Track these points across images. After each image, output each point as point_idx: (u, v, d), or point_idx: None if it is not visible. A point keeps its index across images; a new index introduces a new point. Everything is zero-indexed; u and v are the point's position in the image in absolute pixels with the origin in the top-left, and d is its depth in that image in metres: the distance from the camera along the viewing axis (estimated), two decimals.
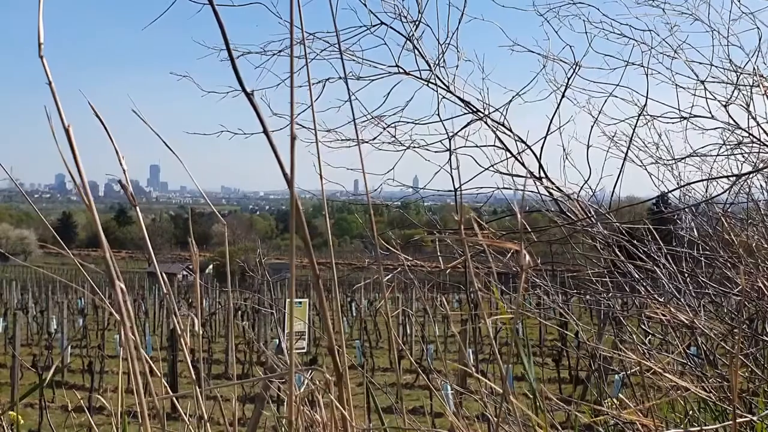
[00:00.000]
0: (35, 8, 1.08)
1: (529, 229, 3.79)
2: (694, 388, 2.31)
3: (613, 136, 4.21)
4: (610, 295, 4.01)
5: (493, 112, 4.07)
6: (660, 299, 3.65)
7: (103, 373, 16.35)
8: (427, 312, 22.58)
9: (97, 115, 1.24)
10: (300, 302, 7.52)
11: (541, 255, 4.14)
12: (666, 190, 4.21)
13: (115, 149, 1.27)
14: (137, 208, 1.33)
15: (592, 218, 3.84)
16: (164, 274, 1.43)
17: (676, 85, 4.09)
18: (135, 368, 1.25)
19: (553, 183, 4.02)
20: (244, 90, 1.17)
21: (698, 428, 1.99)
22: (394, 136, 4.15)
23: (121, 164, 1.28)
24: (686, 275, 3.78)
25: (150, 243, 1.37)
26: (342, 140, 4.08)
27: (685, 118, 4.09)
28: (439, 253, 3.80)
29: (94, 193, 1.44)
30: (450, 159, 3.88)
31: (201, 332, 1.43)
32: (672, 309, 3.28)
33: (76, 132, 1.21)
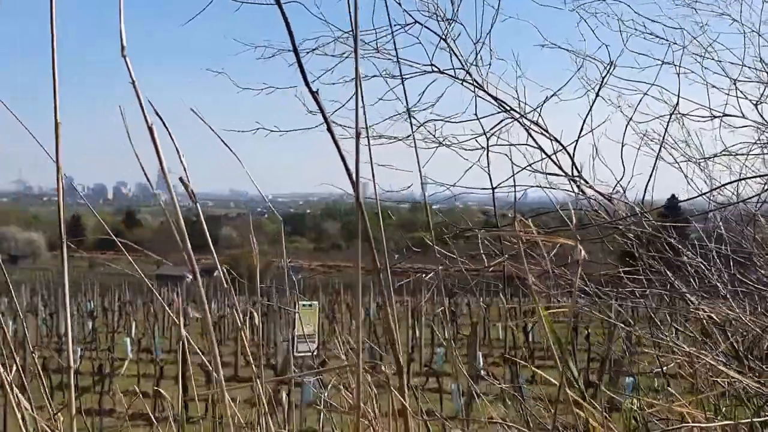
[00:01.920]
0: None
1: (571, 227, 3.77)
2: (745, 380, 2.30)
3: (645, 135, 4.20)
4: (647, 293, 3.99)
5: (530, 112, 4.09)
6: (704, 296, 3.65)
7: (113, 376, 16.38)
8: (437, 315, 22.58)
9: (160, 117, 1.22)
10: (310, 304, 7.48)
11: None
12: (700, 192, 4.17)
13: (176, 148, 1.24)
14: (198, 204, 1.31)
15: (633, 216, 3.83)
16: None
17: (707, 83, 4.09)
18: (219, 372, 1.24)
19: (587, 182, 4.01)
20: (309, 88, 1.17)
21: (748, 420, 1.98)
22: (433, 134, 4.15)
23: (181, 161, 1.26)
24: (725, 274, 3.77)
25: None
26: (376, 137, 4.09)
27: (716, 117, 4.08)
28: (469, 253, 3.80)
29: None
30: (488, 157, 3.89)
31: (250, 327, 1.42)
32: (715, 307, 3.28)
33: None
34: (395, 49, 4.05)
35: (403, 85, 3.58)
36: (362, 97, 1.20)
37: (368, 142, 1.19)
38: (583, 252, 1.24)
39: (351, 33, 4.06)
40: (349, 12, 1.27)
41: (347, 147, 1.27)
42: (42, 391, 1.62)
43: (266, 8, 4.11)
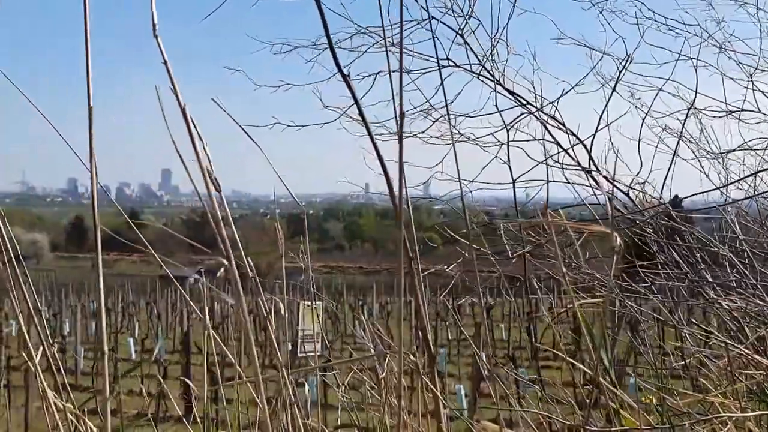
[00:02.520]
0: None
1: (598, 218, 3.77)
2: None
3: (664, 129, 4.20)
4: (668, 286, 4.00)
5: (546, 105, 4.11)
6: (730, 287, 3.67)
7: (116, 377, 16.38)
8: (439, 315, 22.59)
9: (181, 106, 1.22)
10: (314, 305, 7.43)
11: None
12: (714, 186, 4.16)
13: (199, 136, 1.23)
14: (221, 193, 1.30)
15: (656, 207, 3.84)
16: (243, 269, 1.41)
17: (723, 74, 4.09)
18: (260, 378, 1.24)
19: (606, 177, 4.01)
20: (341, 71, 1.19)
21: None
22: (455, 128, 4.17)
23: (205, 151, 1.25)
24: (748, 267, 3.78)
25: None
26: (390, 133, 4.10)
27: (731, 112, 4.08)
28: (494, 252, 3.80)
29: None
30: (508, 151, 3.91)
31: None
32: (745, 299, 3.29)
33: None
34: (437, 43, 4.08)
35: (441, 78, 3.60)
36: (401, 85, 1.20)
37: (400, 140, 1.18)
38: (618, 240, 1.24)
39: (364, 29, 4.09)
40: (401, 5, 1.27)
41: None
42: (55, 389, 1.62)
43: (269, 11, 4.14)
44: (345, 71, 1.22)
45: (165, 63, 1.13)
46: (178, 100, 1.13)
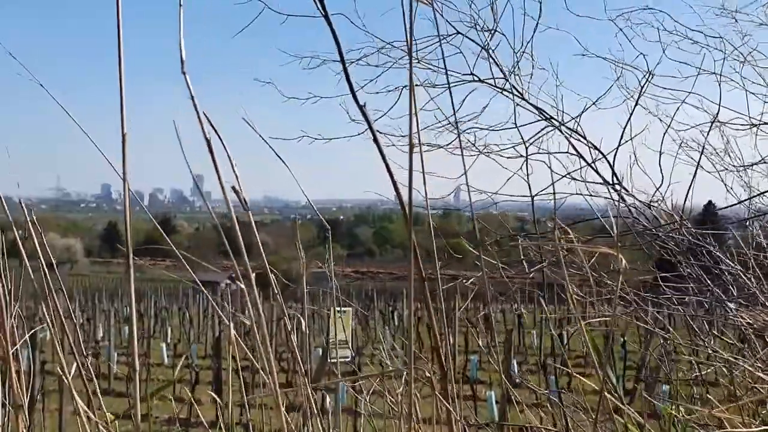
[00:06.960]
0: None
1: (613, 236, 3.77)
2: None
3: (684, 142, 4.18)
4: (685, 300, 3.97)
5: (570, 121, 4.12)
6: (743, 304, 3.64)
7: (149, 381, 16.54)
8: (470, 322, 22.50)
9: (215, 130, 1.23)
10: (344, 311, 7.45)
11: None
12: (738, 200, 4.13)
13: (229, 159, 1.25)
14: (250, 212, 1.32)
15: (673, 224, 3.82)
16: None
17: (746, 90, 4.06)
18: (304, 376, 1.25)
19: (626, 190, 4.01)
20: (356, 101, 1.19)
21: None
22: (474, 143, 4.19)
23: (234, 171, 1.27)
24: (765, 282, 3.74)
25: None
26: (416, 145, 4.13)
27: (754, 126, 4.05)
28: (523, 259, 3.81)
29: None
30: (527, 166, 3.93)
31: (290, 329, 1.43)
32: (754, 314, 3.27)
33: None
34: (443, 59, 4.10)
35: (451, 94, 3.62)
36: (416, 111, 1.21)
37: (419, 150, 1.19)
38: (624, 261, 1.24)
39: (388, 44, 4.12)
40: (404, 23, 1.28)
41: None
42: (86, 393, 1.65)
43: (296, 23, 4.18)
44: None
45: (192, 98, 1.15)
46: (202, 129, 1.15)
